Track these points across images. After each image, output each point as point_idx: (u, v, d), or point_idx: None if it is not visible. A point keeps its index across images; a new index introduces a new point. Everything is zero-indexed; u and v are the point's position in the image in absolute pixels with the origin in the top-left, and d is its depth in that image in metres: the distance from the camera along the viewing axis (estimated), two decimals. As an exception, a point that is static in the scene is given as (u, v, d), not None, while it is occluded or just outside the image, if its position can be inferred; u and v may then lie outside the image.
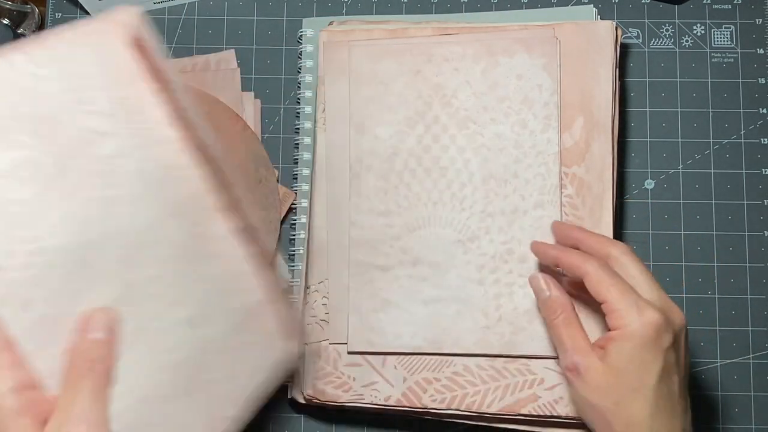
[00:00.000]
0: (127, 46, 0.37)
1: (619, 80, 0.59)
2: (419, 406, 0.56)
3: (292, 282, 0.61)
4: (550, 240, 0.55)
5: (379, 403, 0.56)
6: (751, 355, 0.61)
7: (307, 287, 0.58)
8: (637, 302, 0.46)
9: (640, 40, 0.65)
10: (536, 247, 0.54)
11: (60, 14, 0.65)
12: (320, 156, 0.59)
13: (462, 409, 0.55)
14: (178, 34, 0.65)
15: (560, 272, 0.53)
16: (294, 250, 0.61)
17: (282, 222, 0.61)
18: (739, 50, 0.64)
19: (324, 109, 0.59)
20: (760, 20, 0.65)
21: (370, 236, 0.57)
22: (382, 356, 0.56)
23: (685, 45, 0.64)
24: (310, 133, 0.62)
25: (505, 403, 0.55)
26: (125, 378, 0.36)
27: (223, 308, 0.41)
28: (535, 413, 0.54)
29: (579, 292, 0.51)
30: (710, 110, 0.64)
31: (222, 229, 0.40)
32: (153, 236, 0.37)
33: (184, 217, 0.39)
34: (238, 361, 0.42)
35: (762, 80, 0.64)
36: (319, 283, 0.58)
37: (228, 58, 0.64)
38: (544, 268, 0.55)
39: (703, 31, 0.65)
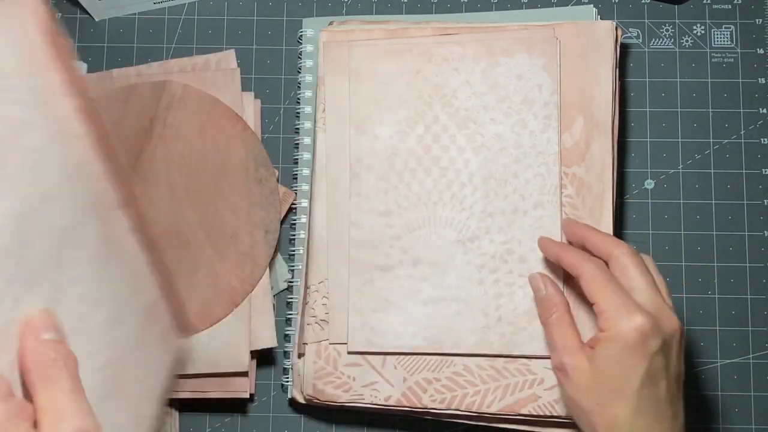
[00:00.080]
0: (38, 32, 0.34)
1: (619, 80, 0.59)
2: (419, 406, 0.56)
3: (292, 282, 0.61)
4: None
5: (379, 403, 0.56)
6: (751, 355, 0.61)
7: (307, 287, 0.58)
8: (626, 305, 0.46)
9: (640, 40, 0.65)
10: (542, 242, 0.55)
11: (60, 14, 0.65)
12: (320, 156, 0.59)
13: (462, 409, 0.55)
14: (178, 34, 0.65)
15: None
16: (294, 250, 0.61)
17: (282, 222, 0.61)
18: (739, 50, 0.64)
19: (324, 109, 0.59)
20: (760, 20, 0.65)
21: (370, 236, 0.57)
22: (382, 356, 0.56)
23: (685, 45, 0.64)
24: (310, 133, 0.62)
25: (505, 403, 0.55)
26: None
27: (131, 308, 0.39)
28: (535, 413, 0.54)
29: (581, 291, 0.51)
30: (710, 110, 0.64)
31: (123, 228, 0.39)
32: (73, 235, 0.35)
33: (95, 216, 0.37)
34: (148, 360, 0.41)
35: (762, 80, 0.64)
36: (319, 283, 0.58)
37: (228, 58, 0.64)
38: (543, 267, 0.55)
39: (703, 31, 0.65)
